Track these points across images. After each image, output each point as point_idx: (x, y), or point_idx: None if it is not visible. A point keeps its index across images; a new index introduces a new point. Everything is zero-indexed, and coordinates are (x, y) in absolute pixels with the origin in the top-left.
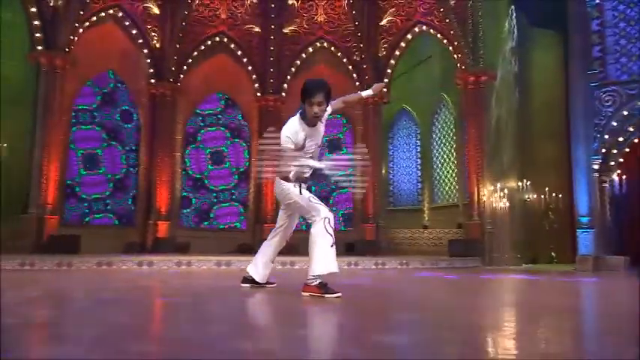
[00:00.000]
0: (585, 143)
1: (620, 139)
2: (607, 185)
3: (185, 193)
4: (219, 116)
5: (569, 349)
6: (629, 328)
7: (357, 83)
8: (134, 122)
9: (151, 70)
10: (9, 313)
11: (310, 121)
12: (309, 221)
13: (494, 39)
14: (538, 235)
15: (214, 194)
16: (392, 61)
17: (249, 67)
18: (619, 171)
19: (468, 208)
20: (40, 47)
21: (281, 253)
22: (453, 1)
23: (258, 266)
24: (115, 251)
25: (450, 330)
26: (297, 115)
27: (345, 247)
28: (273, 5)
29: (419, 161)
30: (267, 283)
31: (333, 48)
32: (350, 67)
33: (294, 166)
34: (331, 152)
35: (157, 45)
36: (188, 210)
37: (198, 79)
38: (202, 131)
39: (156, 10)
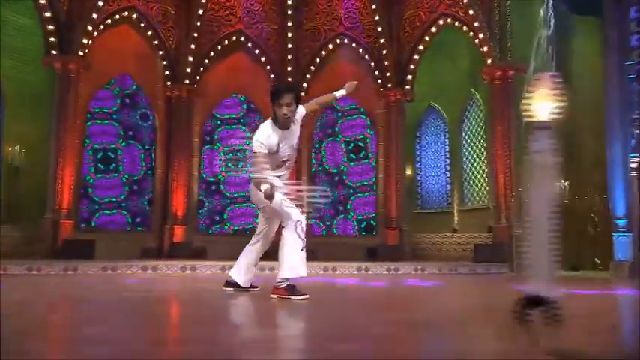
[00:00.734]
0: (622, 140)
1: None
2: None
3: (201, 197)
4: (242, 120)
5: None
6: None
7: (380, 80)
8: (150, 125)
9: (167, 72)
10: None
11: (282, 124)
12: (282, 225)
13: (524, 29)
14: (580, 239)
15: (229, 200)
16: (415, 57)
17: (267, 67)
18: None
19: (497, 210)
20: (54, 52)
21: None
22: None
23: (241, 270)
24: (131, 256)
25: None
26: (269, 119)
27: (367, 252)
28: (290, 1)
29: (448, 161)
30: (251, 286)
31: (354, 44)
32: (372, 63)
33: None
34: (355, 155)
35: (173, 46)
36: (203, 213)
37: (215, 80)
38: (219, 129)
39: (171, 11)
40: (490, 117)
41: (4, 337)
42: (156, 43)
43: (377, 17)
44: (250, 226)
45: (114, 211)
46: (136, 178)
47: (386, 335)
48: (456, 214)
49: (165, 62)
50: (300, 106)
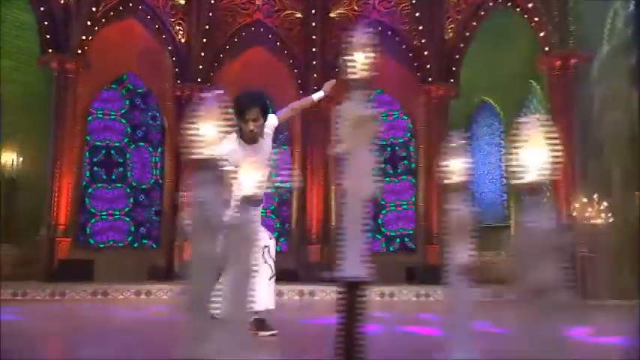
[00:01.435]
0: None
1: None
2: None
3: None
4: None
5: None
6: None
7: (419, 74)
8: (158, 129)
9: (176, 70)
10: None
11: (248, 140)
12: None
13: (591, 10)
14: None
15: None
16: (461, 44)
17: (290, 61)
18: None
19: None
20: (50, 50)
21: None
22: None
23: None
24: (136, 277)
25: None
26: (235, 132)
27: (406, 272)
28: None
29: (503, 166)
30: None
31: (389, 32)
32: (410, 53)
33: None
34: (392, 165)
35: (183, 40)
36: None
37: (230, 78)
38: None
39: (181, 1)
40: (550, 114)
41: None
42: (164, 37)
43: (414, 1)
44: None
45: (116, 225)
46: (144, 187)
47: None
48: (513, 228)
49: (174, 59)
50: (272, 116)
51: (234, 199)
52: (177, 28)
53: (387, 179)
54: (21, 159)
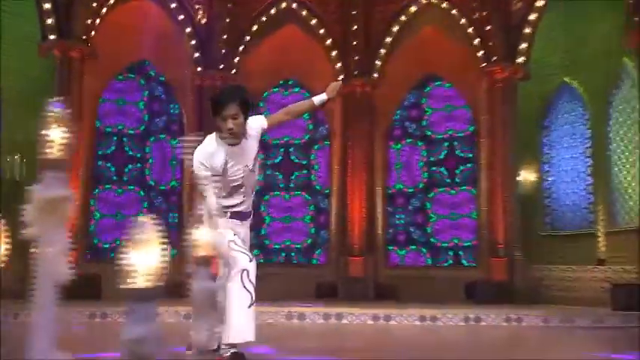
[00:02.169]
0: None
1: None
2: None
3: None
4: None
5: None
6: None
7: (481, 53)
8: (176, 123)
9: (196, 55)
10: None
11: (228, 139)
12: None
13: None
14: None
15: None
16: (531, 17)
17: (328, 42)
18: None
19: None
20: (52, 36)
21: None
22: None
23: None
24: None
25: None
26: (215, 133)
27: (465, 290)
28: None
29: (589, 161)
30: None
31: (445, 4)
32: (470, 29)
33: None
34: (450, 166)
35: (203, 21)
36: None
37: (258, 64)
38: (265, 137)
39: None
40: None
41: None
42: (181, 17)
43: None
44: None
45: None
46: (162, 187)
47: None
48: (601, 237)
49: (193, 42)
50: (261, 117)
51: (212, 209)
52: (197, 7)
53: (442, 189)
54: (24, 160)
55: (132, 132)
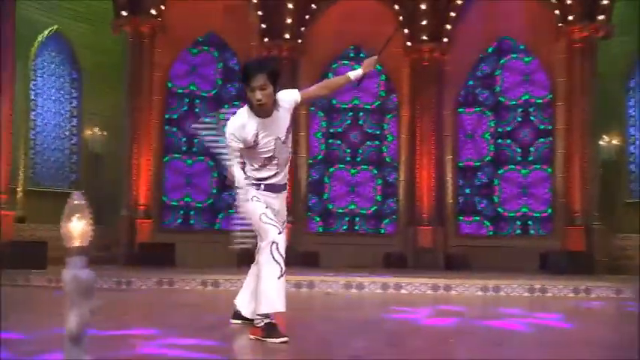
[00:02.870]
0: None
1: None
2: None
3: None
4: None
5: None
6: None
7: (557, 11)
8: (243, 95)
9: (263, 26)
10: None
11: (258, 112)
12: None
13: None
14: None
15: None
16: None
17: (395, 6)
18: None
19: None
20: (124, 12)
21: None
22: None
23: (244, 298)
24: (228, 263)
25: None
26: (246, 105)
27: (540, 259)
28: None
29: None
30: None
31: None
32: None
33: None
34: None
35: None
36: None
37: (324, 32)
38: (333, 101)
39: None
40: None
41: None
42: None
43: None
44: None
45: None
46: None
47: None
48: None
49: (260, 13)
50: (295, 91)
51: (239, 181)
52: None
53: (512, 167)
54: (104, 133)
55: (205, 94)
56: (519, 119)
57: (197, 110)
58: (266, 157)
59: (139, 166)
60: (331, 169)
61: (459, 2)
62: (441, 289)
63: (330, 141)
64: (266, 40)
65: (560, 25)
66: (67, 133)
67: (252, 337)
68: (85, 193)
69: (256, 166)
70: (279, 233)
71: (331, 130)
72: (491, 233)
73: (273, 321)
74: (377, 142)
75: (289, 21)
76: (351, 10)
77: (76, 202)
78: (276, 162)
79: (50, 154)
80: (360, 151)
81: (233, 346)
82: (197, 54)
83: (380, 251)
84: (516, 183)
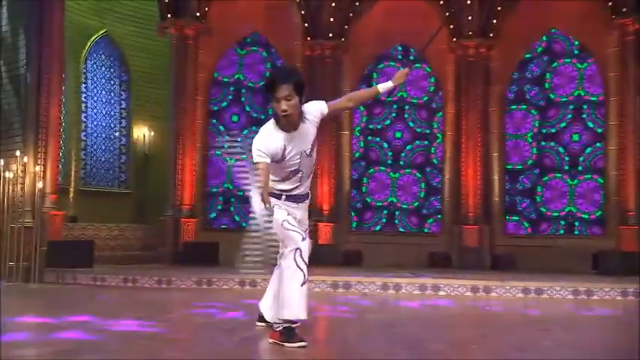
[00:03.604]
0: None
1: None
2: None
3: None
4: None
5: None
6: None
7: (610, 3)
8: None
9: (306, 25)
10: None
11: (285, 124)
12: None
13: None
14: None
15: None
16: None
17: (441, 1)
18: None
19: None
20: (169, 15)
21: None
22: None
23: (268, 301)
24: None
25: None
26: (272, 119)
27: (592, 259)
28: None
29: None
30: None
31: None
32: None
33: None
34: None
35: None
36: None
37: (368, 30)
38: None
39: None
40: None
41: None
42: None
43: None
44: (424, 229)
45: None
46: None
47: None
48: None
49: (303, 12)
50: (322, 102)
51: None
52: None
53: (558, 175)
54: (152, 133)
55: (252, 85)
56: (570, 116)
57: (242, 99)
58: (291, 171)
59: (183, 166)
60: (371, 170)
61: None
62: (481, 291)
63: (370, 138)
64: (309, 39)
65: (612, 17)
66: (117, 134)
67: (270, 340)
68: (134, 194)
69: (279, 178)
70: (303, 240)
71: (370, 126)
72: (539, 233)
73: (293, 325)
74: (426, 142)
75: (332, 20)
76: (395, 7)
77: None
78: (300, 175)
79: (101, 154)
80: (403, 155)
81: (251, 349)
82: (245, 55)
83: (424, 251)
84: (562, 192)
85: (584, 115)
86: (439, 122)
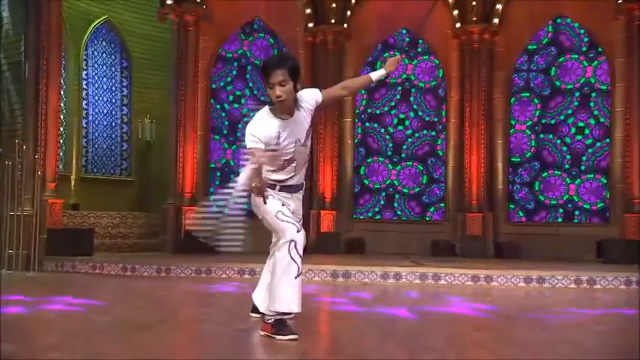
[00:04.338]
0: None
1: None
2: None
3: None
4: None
5: None
6: None
7: None
8: None
9: (308, 11)
10: None
11: (279, 110)
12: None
13: None
14: None
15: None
16: None
17: None
18: None
19: None
20: (169, 1)
21: None
22: None
23: (261, 293)
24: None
25: None
26: (266, 105)
27: (597, 247)
28: None
29: None
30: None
31: None
32: None
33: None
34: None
35: None
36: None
37: (370, 16)
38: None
39: None
40: None
41: None
42: None
43: None
44: (426, 217)
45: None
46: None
47: None
48: None
49: None
50: (316, 90)
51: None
52: None
53: (557, 172)
54: (154, 121)
55: (257, 62)
56: (576, 103)
57: (247, 76)
58: (285, 160)
59: (184, 153)
60: (369, 160)
61: None
62: (482, 280)
63: (368, 124)
64: (311, 25)
65: (619, 2)
66: (118, 121)
67: (262, 333)
68: (136, 181)
69: (274, 168)
70: (298, 231)
71: (369, 110)
72: (544, 220)
73: (285, 317)
74: (433, 133)
75: (334, 5)
76: None
77: None
78: (294, 164)
79: (102, 142)
80: (405, 147)
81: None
82: (252, 41)
83: (427, 239)
84: (563, 190)
85: (591, 104)
86: (447, 110)
